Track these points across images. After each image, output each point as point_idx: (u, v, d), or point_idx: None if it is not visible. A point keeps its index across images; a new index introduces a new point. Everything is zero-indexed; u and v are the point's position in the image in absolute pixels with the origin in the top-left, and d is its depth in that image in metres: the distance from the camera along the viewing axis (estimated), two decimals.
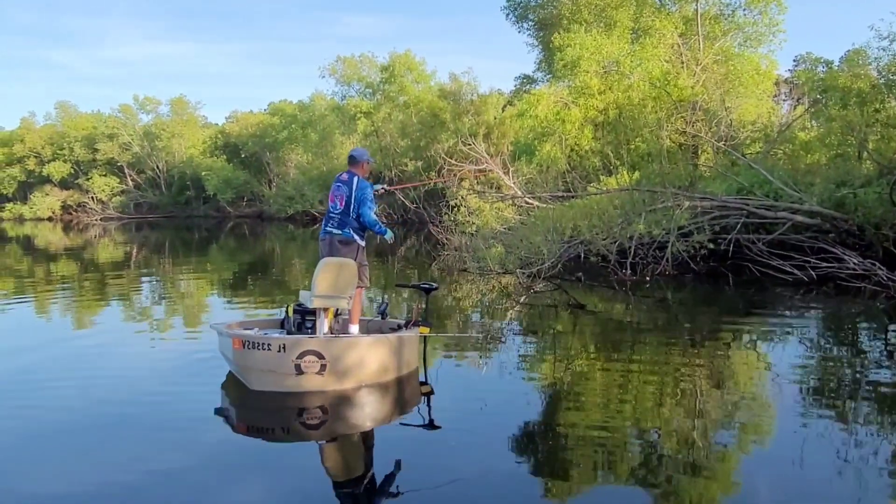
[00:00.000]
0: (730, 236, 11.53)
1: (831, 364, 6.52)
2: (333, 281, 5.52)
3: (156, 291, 12.88)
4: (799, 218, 11.54)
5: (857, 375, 6.04)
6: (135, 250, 23.63)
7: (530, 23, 24.55)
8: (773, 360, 6.62)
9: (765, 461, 4.23)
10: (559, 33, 19.83)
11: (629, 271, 11.31)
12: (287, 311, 5.89)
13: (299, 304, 5.90)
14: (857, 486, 3.79)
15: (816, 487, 3.83)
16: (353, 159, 6.07)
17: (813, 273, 10.36)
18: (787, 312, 9.27)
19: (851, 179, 12.20)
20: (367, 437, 4.81)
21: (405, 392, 5.71)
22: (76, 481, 3.99)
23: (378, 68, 36.22)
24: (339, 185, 5.92)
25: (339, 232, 5.85)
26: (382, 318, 6.40)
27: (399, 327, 6.15)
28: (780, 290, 10.28)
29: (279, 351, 5.28)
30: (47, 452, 4.40)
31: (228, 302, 11.29)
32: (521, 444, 4.55)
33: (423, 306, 6.41)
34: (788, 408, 5.14)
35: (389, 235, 6.08)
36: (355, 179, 5.89)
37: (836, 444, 4.35)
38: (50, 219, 51.54)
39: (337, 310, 5.82)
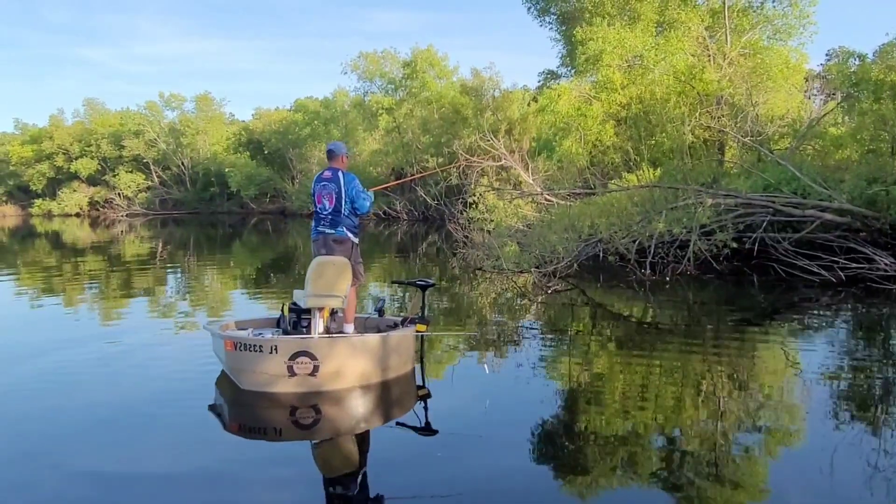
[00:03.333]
0: (755, 235, 11.15)
1: (861, 369, 6.19)
2: (327, 280, 5.40)
3: (179, 287, 12.95)
4: (828, 216, 11.11)
5: (889, 381, 5.75)
6: (160, 246, 23.83)
7: (552, 16, 24.18)
8: (800, 364, 6.35)
9: (793, 468, 4.08)
10: (581, 27, 19.47)
11: (649, 271, 10.99)
12: (283, 310, 5.78)
13: (294, 304, 5.78)
14: (887, 496, 3.60)
15: (846, 497, 3.65)
16: (331, 154, 5.92)
17: (842, 274, 9.96)
18: (815, 315, 8.91)
19: (884, 176, 11.71)
20: (361, 439, 4.65)
21: (401, 392, 5.57)
22: (62, 477, 3.93)
23: (400, 64, 36.09)
24: (324, 185, 5.76)
25: (333, 231, 5.72)
26: (380, 316, 6.26)
27: (397, 325, 6.02)
28: (807, 292, 9.90)
29: (271, 353, 5.17)
30: (45, 445, 4.35)
31: (251, 298, 11.28)
32: (529, 446, 4.39)
33: (421, 303, 6.26)
34: (816, 413, 4.93)
35: (371, 198, 5.96)
36: (340, 175, 5.74)
37: (867, 452, 4.15)
38: (77, 215, 52.41)
39: (333, 308, 5.68)
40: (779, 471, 4.03)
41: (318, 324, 5.49)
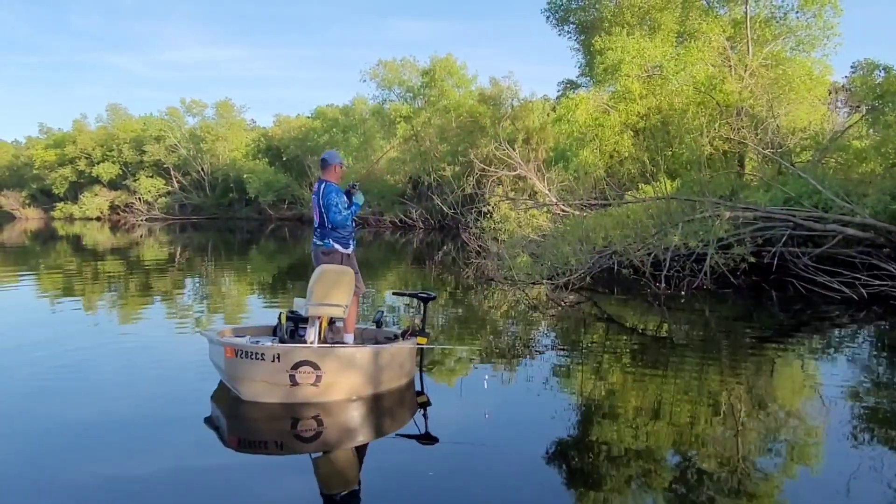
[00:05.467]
0: (774, 249, 10.88)
1: (883, 389, 6.00)
2: (329, 288, 5.33)
3: (195, 292, 13.02)
4: (850, 231, 10.81)
5: None
6: (178, 251, 24.01)
7: (571, 26, 24.02)
8: (820, 383, 6.16)
9: (812, 489, 3.97)
10: (600, 36, 19.31)
11: (664, 284, 10.77)
12: (280, 319, 5.69)
13: (292, 312, 5.71)
14: None
15: None
16: (323, 163, 5.86)
17: (864, 291, 9.67)
18: (835, 333, 8.65)
19: None
20: (363, 451, 4.57)
21: (403, 404, 5.50)
22: (50, 489, 3.87)
23: (419, 72, 36.07)
24: (314, 197, 5.77)
25: (322, 244, 5.72)
26: (378, 327, 6.18)
27: (396, 337, 5.95)
28: (828, 309, 9.63)
29: (273, 361, 5.09)
30: (39, 454, 4.31)
31: (266, 303, 11.30)
32: (539, 461, 4.30)
33: (422, 316, 6.19)
34: (836, 433, 4.78)
35: (360, 199, 5.84)
36: (322, 186, 5.71)
37: (888, 474, 4.02)
38: (98, 218, 53.05)
39: (331, 318, 5.60)
40: (797, 492, 3.94)
41: (317, 333, 5.42)
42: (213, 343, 5.63)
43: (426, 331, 6.04)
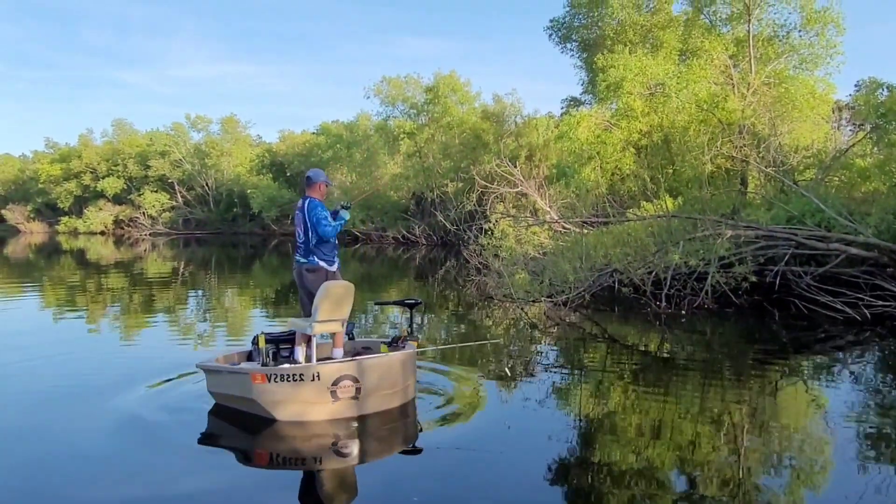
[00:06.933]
0: (776, 269, 10.80)
1: (887, 411, 5.88)
2: (336, 304, 5.35)
3: (198, 308, 13.04)
4: (853, 250, 10.73)
5: None
6: (181, 266, 24.05)
7: (574, 44, 24.18)
8: (824, 405, 6.07)
9: None
10: (602, 54, 19.38)
11: (664, 303, 10.69)
12: (258, 343, 5.59)
13: (269, 334, 5.69)
14: None
15: None
16: (308, 180, 5.89)
17: (867, 312, 9.58)
18: (839, 353, 8.55)
19: None
20: (366, 466, 4.60)
21: (419, 412, 5.59)
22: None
23: (423, 89, 36.24)
24: (298, 214, 5.79)
25: (306, 261, 5.73)
26: (350, 339, 6.15)
27: (368, 348, 5.97)
28: (831, 329, 9.52)
29: (313, 380, 5.12)
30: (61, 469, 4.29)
31: (269, 319, 11.26)
32: (533, 484, 4.24)
33: (409, 321, 6.25)
34: (841, 455, 4.72)
35: (346, 216, 5.89)
36: (306, 202, 5.72)
37: (894, 497, 3.95)
38: (102, 233, 53.30)
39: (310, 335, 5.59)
40: None
41: (310, 351, 5.40)
42: (222, 374, 5.51)
43: (416, 335, 6.07)
